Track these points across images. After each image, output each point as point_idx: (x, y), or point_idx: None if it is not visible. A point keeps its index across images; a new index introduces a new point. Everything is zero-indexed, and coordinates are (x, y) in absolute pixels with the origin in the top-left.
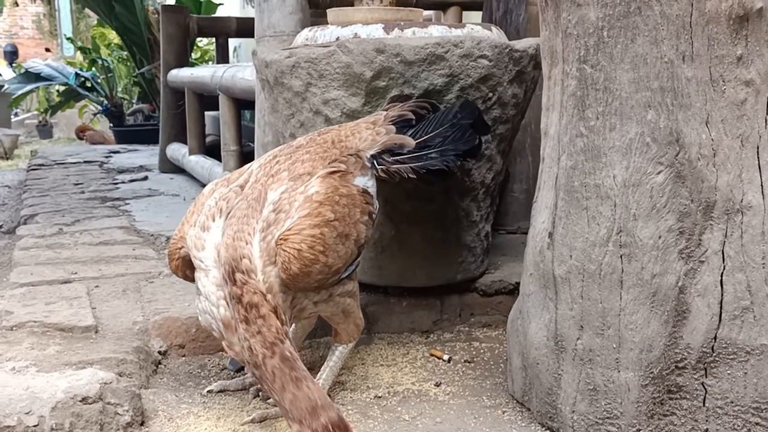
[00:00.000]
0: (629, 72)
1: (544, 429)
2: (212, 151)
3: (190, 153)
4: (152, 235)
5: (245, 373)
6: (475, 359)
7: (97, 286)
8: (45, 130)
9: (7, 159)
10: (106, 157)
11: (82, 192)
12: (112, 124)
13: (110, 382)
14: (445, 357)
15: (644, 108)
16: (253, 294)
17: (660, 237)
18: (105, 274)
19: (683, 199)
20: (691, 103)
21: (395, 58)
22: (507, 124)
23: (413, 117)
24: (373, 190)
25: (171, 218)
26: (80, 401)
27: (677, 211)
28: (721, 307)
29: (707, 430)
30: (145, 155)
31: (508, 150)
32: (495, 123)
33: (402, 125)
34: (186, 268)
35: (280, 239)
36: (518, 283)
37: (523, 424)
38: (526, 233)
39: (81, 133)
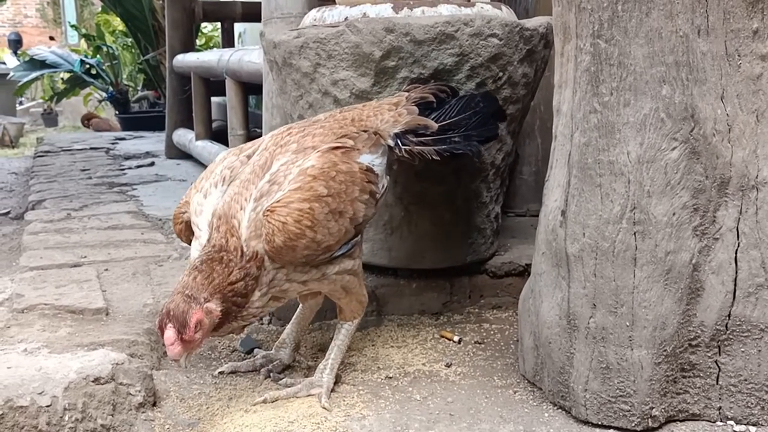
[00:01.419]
0: (644, 46)
1: (555, 408)
2: (219, 136)
3: (197, 138)
4: (160, 219)
5: (255, 355)
6: (485, 340)
7: (106, 270)
8: (50, 119)
9: (13, 147)
10: (112, 143)
11: (89, 178)
12: (117, 112)
13: (122, 363)
14: (456, 338)
15: (659, 83)
16: (224, 240)
17: (674, 214)
18: (114, 257)
19: (698, 176)
20: (706, 78)
21: (405, 37)
22: (517, 104)
23: (434, 100)
24: (379, 169)
25: (178, 202)
26: (93, 381)
27: (692, 188)
28: (735, 285)
29: (720, 408)
30: (151, 141)
31: (518, 130)
32: (505, 103)
33: (423, 107)
34: (189, 233)
35: (267, 210)
36: (528, 265)
37: (534, 404)
38: (535, 215)
39: (87, 120)
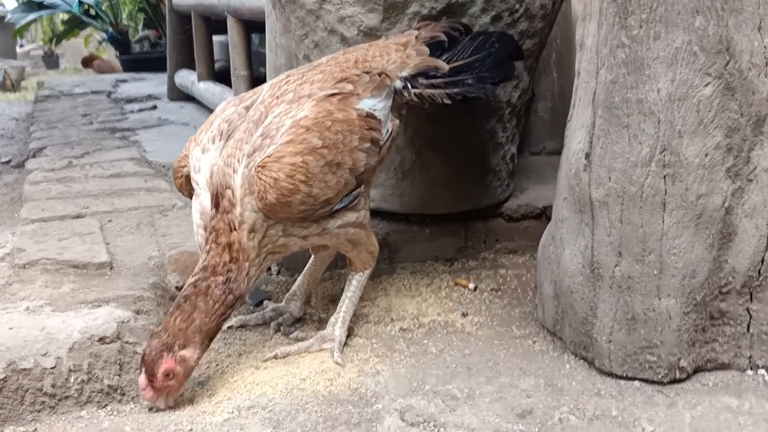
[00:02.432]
0: None
1: (577, 359)
2: (222, 77)
3: (199, 80)
4: (164, 166)
5: (264, 308)
6: (501, 287)
7: (110, 221)
8: (51, 61)
9: (15, 91)
10: (114, 86)
11: (91, 123)
12: (118, 53)
13: (128, 321)
14: (471, 286)
15: (692, 13)
16: (221, 222)
17: (707, 155)
18: (117, 207)
19: (732, 113)
20: (742, 7)
21: None
22: (534, 38)
23: (446, 39)
24: (383, 113)
25: (182, 147)
26: (98, 341)
27: (725, 126)
28: None
29: (751, 356)
30: (153, 84)
31: (535, 66)
32: (522, 37)
33: (434, 47)
34: (189, 187)
35: (258, 166)
36: (545, 207)
37: (555, 354)
38: (552, 154)
39: (88, 62)
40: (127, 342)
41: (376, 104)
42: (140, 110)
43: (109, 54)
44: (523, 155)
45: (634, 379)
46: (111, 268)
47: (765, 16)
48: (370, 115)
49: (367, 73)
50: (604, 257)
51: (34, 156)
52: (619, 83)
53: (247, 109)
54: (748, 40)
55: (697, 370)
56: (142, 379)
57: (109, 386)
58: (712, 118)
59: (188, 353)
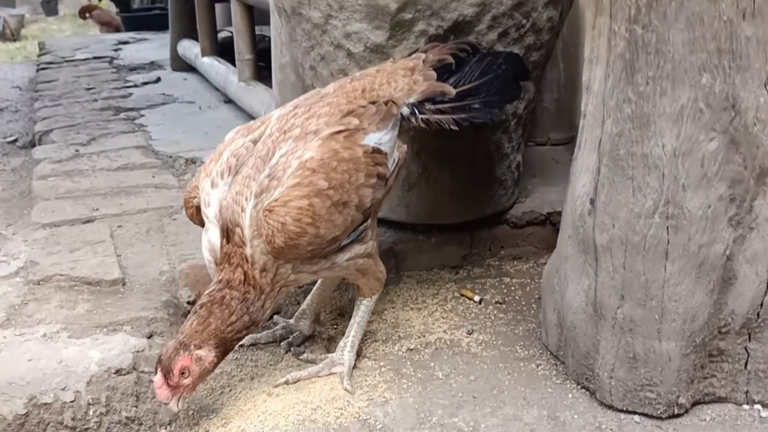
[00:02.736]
0: (684, 32)
1: (579, 387)
2: (225, 49)
3: (203, 54)
4: (170, 156)
5: (275, 323)
6: (506, 299)
7: (120, 226)
8: (50, 7)
9: (15, 41)
10: (115, 49)
11: (95, 100)
12: (118, 9)
13: (142, 350)
14: (476, 298)
15: (698, 71)
16: (234, 249)
17: (710, 206)
18: (126, 209)
19: (736, 166)
20: (749, 65)
21: None
22: (541, 50)
23: (453, 62)
24: (389, 145)
25: (188, 134)
26: (114, 373)
27: (729, 178)
28: None
29: (747, 391)
30: (155, 47)
31: (541, 75)
32: (528, 50)
33: (442, 70)
34: (200, 217)
35: (266, 210)
36: (549, 214)
37: (557, 381)
38: (556, 145)
39: (86, 12)
40: (142, 372)
41: (381, 137)
42: (144, 83)
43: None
44: (527, 145)
45: (634, 413)
46: (123, 284)
47: None
48: (376, 150)
49: (373, 103)
50: (607, 299)
51: (40, 140)
52: (625, 137)
53: (255, 142)
54: (754, 97)
55: (696, 403)
56: (158, 378)
57: (126, 417)
58: (716, 171)
59: (203, 353)
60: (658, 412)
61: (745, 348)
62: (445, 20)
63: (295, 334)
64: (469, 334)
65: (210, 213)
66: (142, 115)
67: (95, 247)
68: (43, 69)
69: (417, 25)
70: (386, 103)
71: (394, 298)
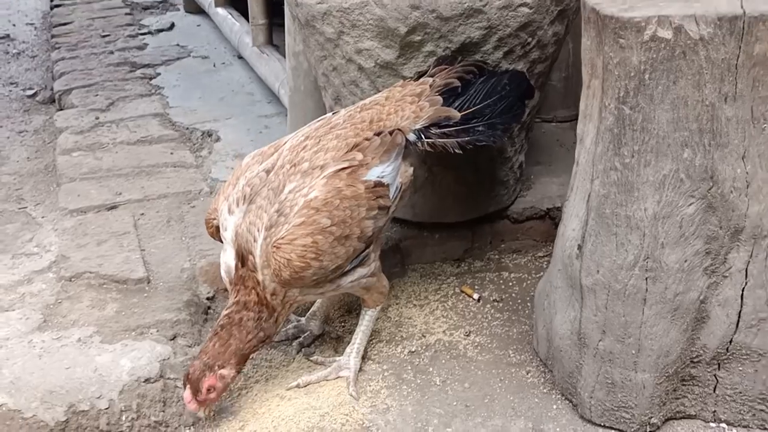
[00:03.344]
0: (668, 112)
1: (563, 398)
2: None
3: (216, 4)
4: (187, 128)
5: (289, 321)
6: (503, 297)
7: (142, 214)
8: None
9: None
10: None
11: (111, 52)
12: None
13: (168, 358)
14: (475, 296)
15: (681, 147)
16: (248, 273)
17: (686, 261)
18: (148, 194)
19: (712, 226)
20: (728, 141)
21: (431, 14)
22: (546, 62)
23: (459, 85)
24: (390, 177)
25: (204, 100)
26: (144, 382)
27: (705, 236)
28: (739, 317)
29: (715, 411)
30: None
31: (545, 82)
32: (533, 64)
33: (448, 93)
34: (219, 235)
35: (274, 246)
36: (549, 209)
37: (544, 390)
38: (563, 122)
39: None
40: (168, 378)
41: (384, 170)
42: (158, 30)
43: None
44: (534, 123)
45: (612, 428)
46: (148, 282)
47: (750, 147)
48: (378, 184)
49: (379, 134)
50: (590, 332)
51: (60, 100)
52: (611, 199)
53: (268, 172)
54: (731, 169)
55: (668, 419)
56: (187, 394)
57: (155, 421)
58: (693, 231)
59: (226, 372)
60: (632, 430)
61: (715, 375)
62: (453, 42)
63: (306, 334)
64: (467, 335)
65: (227, 236)
66: (158, 74)
67: (120, 240)
68: (57, 6)
69: (426, 46)
70: (392, 132)
71: (399, 293)
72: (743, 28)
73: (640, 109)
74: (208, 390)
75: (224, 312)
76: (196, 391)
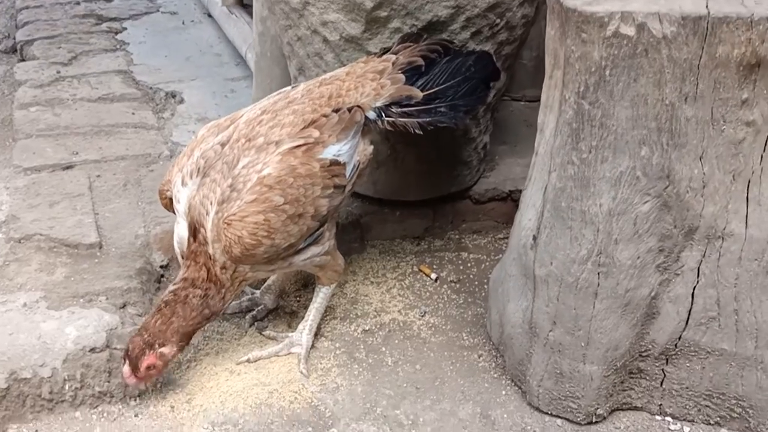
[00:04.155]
0: (628, 109)
1: (513, 385)
2: None
3: None
4: (151, 88)
5: (242, 297)
6: (461, 278)
7: (98, 176)
8: None
9: None
10: None
11: (78, 3)
12: None
13: (115, 328)
14: (433, 276)
15: (638, 144)
16: (200, 248)
17: (638, 257)
18: (105, 155)
19: (667, 224)
20: (687, 142)
21: None
22: (514, 44)
23: (423, 63)
24: (347, 155)
25: (170, 58)
26: (89, 351)
27: (659, 234)
28: (689, 315)
29: (661, 405)
30: None
31: (512, 64)
32: (501, 46)
33: (411, 71)
34: (173, 207)
35: (225, 222)
36: (511, 191)
37: (495, 375)
38: (531, 101)
39: None
40: (115, 349)
41: (341, 148)
42: None
43: None
44: (503, 100)
45: (558, 416)
46: (100, 248)
47: (708, 148)
48: (334, 163)
49: (338, 110)
50: (541, 322)
51: (22, 51)
52: (567, 193)
53: (223, 145)
54: (688, 169)
55: (615, 410)
56: (126, 369)
57: (99, 392)
58: (647, 228)
59: (167, 350)
60: (578, 419)
61: (662, 370)
62: (420, 20)
63: (259, 308)
64: (422, 316)
65: (180, 209)
66: (125, 28)
67: (74, 202)
68: None
69: (392, 22)
70: (351, 110)
71: (356, 269)
72: (707, 28)
73: (600, 105)
74: (148, 368)
75: (170, 288)
76: (135, 368)
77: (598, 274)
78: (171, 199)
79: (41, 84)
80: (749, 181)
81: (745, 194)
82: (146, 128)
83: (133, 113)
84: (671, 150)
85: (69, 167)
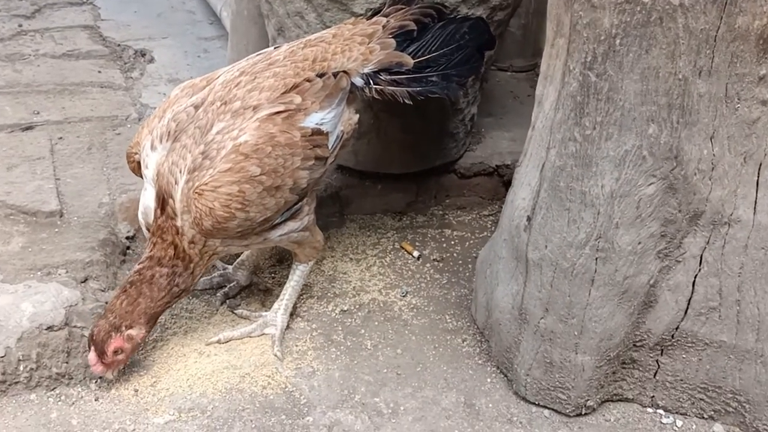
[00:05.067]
0: (637, 83)
1: (499, 373)
2: None
3: None
4: (119, 45)
5: (213, 272)
6: (444, 256)
7: (61, 138)
8: None
9: None
10: None
11: None
12: None
13: (76, 304)
14: (415, 254)
15: (646, 121)
16: (167, 223)
17: (639, 243)
18: (69, 116)
19: (671, 208)
20: (698, 120)
21: None
22: (506, 10)
23: (415, 28)
24: (331, 125)
25: (140, 15)
26: (46, 329)
27: (662, 218)
28: (688, 304)
29: (654, 396)
30: None
31: (504, 31)
32: (494, 11)
33: (402, 36)
34: (141, 171)
35: (196, 192)
36: (498, 167)
37: (479, 362)
38: (518, 72)
39: None
40: (75, 327)
41: (324, 117)
42: None
43: None
44: (490, 70)
45: (545, 407)
46: (61, 216)
47: (719, 127)
48: (316, 132)
49: (322, 75)
50: (532, 308)
51: None
52: (566, 172)
53: (197, 107)
54: (698, 149)
55: (605, 401)
56: (92, 356)
57: (57, 373)
58: (650, 212)
59: (134, 332)
60: (567, 411)
61: (657, 361)
62: None
63: (231, 284)
64: (403, 296)
65: (148, 175)
66: None
67: (34, 166)
68: None
69: None
70: (336, 75)
71: (335, 245)
72: None
73: (608, 77)
74: (115, 352)
75: (136, 267)
76: (101, 354)
77: (596, 259)
78: (139, 163)
79: (1, 38)
80: (761, 164)
81: (756, 178)
82: (113, 88)
83: (99, 72)
84: (681, 128)
85: (29, 128)
